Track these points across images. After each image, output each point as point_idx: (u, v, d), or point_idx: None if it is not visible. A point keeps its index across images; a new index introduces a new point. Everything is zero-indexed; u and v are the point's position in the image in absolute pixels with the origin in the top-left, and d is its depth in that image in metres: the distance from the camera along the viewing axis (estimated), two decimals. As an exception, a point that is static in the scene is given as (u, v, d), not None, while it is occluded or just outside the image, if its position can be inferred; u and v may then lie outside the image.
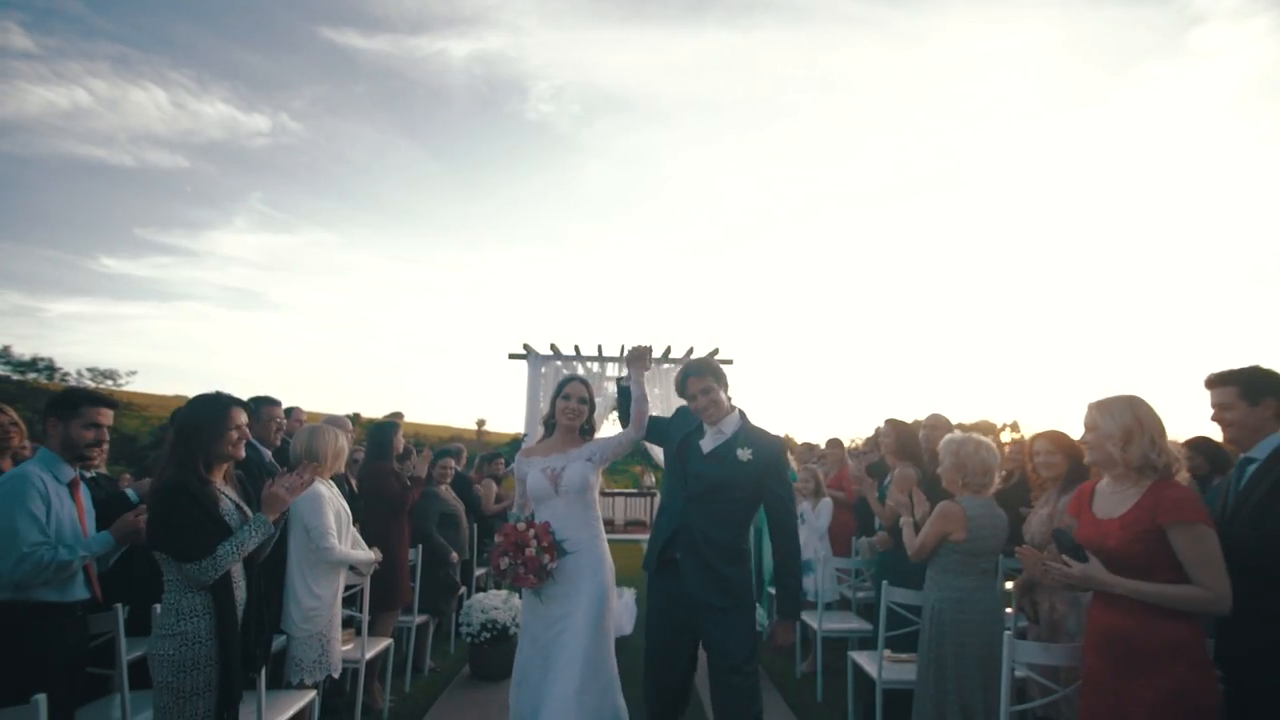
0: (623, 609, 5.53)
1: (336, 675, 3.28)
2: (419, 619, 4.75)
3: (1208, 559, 2.00)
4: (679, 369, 2.77)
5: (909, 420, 4.53)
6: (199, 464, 2.37)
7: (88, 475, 2.85)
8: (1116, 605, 2.11)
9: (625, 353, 3.05)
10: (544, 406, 14.42)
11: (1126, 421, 2.14)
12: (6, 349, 26.24)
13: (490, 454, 8.28)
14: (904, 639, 3.49)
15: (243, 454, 2.53)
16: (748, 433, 2.78)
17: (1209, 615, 2.06)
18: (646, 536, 14.12)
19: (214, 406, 2.47)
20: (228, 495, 2.45)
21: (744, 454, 2.70)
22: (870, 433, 5.04)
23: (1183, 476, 2.16)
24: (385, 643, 4.04)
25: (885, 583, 3.56)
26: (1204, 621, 2.11)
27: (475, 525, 6.05)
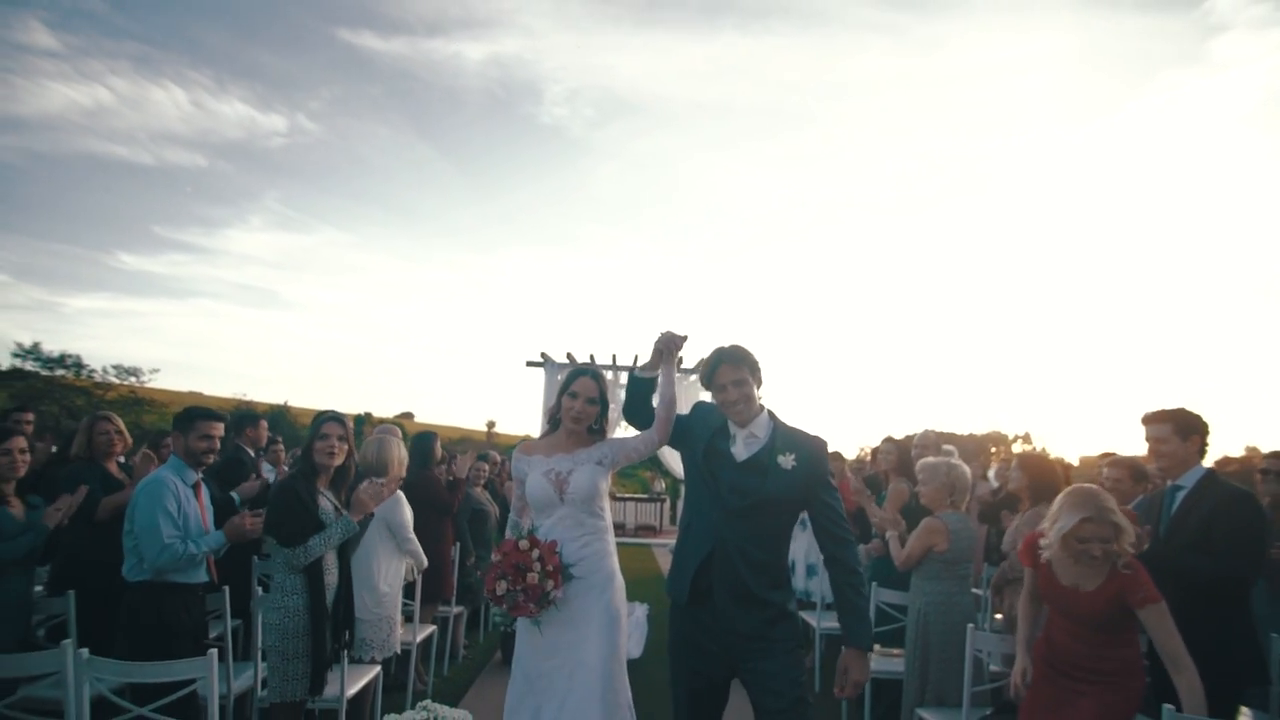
0: (632, 626, 5.29)
1: (398, 653, 3.78)
2: (455, 609, 5.24)
3: (1171, 633, 2.31)
4: (709, 355, 2.46)
5: (907, 434, 5.00)
6: (308, 470, 2.91)
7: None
8: (1073, 638, 2.45)
9: (657, 340, 2.47)
10: (560, 412, 14.68)
11: (1125, 522, 2.37)
12: (36, 345, 27.09)
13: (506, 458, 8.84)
14: (891, 634, 3.94)
15: (333, 463, 3.04)
16: (785, 435, 2.40)
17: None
18: (656, 541, 14.53)
19: (314, 424, 3.01)
20: (328, 497, 2.98)
21: (786, 460, 2.32)
22: (879, 443, 5.48)
23: (1128, 546, 2.37)
24: (431, 629, 4.54)
25: (875, 584, 4.01)
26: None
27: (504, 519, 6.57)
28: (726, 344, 2.46)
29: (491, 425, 67.71)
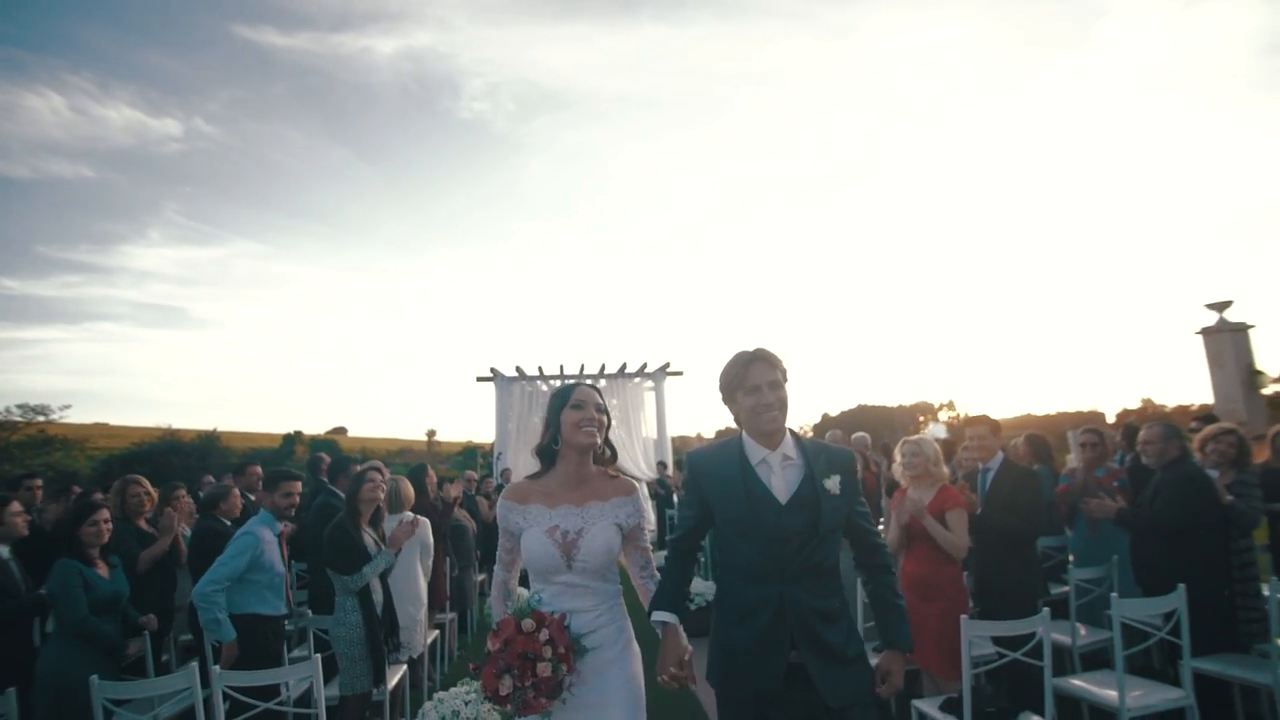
0: None
1: (425, 653, 4.60)
2: (449, 615, 6.04)
3: (960, 526, 3.63)
4: (732, 359, 2.14)
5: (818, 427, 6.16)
6: (352, 512, 3.70)
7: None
8: (918, 560, 3.69)
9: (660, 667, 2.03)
10: (514, 427, 15.17)
11: (934, 452, 3.76)
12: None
13: (480, 475, 9.64)
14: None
15: (374, 505, 3.82)
16: (818, 454, 2.09)
17: (963, 558, 3.67)
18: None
19: (360, 476, 3.79)
20: (369, 534, 3.78)
21: (833, 484, 2.03)
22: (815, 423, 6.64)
23: (944, 471, 3.78)
24: (435, 633, 5.34)
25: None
26: (966, 567, 3.74)
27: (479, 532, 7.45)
28: (749, 346, 2.13)
29: (432, 434, 66.73)
